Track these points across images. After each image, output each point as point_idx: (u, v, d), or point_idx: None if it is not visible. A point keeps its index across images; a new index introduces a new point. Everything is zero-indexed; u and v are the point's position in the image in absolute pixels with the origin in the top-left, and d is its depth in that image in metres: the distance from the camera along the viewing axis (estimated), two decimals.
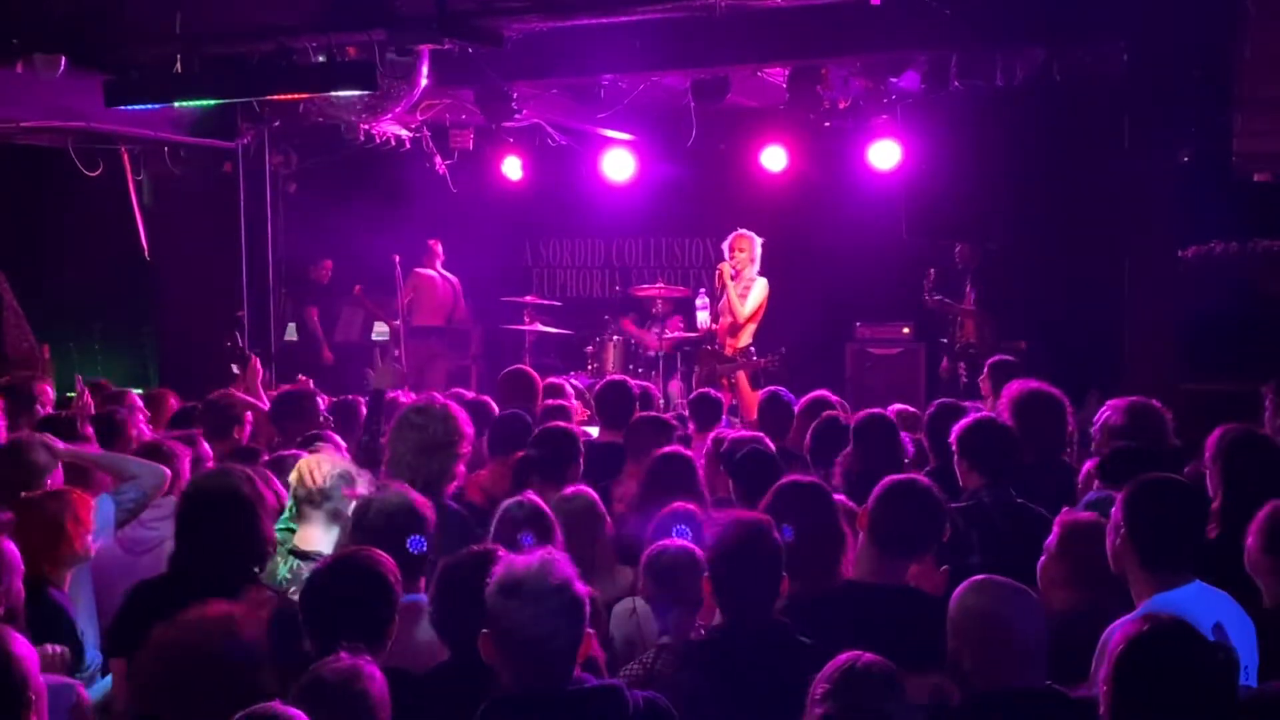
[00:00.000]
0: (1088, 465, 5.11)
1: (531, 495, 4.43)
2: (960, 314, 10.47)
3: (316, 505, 4.42)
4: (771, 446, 5.79)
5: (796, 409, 6.83)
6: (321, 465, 4.52)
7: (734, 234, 10.25)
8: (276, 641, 3.25)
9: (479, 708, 3.03)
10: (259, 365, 7.91)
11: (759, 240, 10.19)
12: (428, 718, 3.32)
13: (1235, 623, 3.57)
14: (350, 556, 3.62)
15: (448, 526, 4.35)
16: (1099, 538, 3.83)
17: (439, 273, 12.40)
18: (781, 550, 3.66)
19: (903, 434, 6.09)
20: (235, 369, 8.19)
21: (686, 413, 7.81)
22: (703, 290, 11.24)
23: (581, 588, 3.07)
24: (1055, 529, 3.97)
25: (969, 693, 3.21)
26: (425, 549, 3.93)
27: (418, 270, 12.21)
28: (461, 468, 4.93)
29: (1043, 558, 3.94)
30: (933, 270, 10.55)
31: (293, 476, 4.51)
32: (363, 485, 4.52)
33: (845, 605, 3.89)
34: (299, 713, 2.77)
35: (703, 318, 10.84)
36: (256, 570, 4.02)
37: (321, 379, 9.04)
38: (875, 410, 6.13)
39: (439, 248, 12.39)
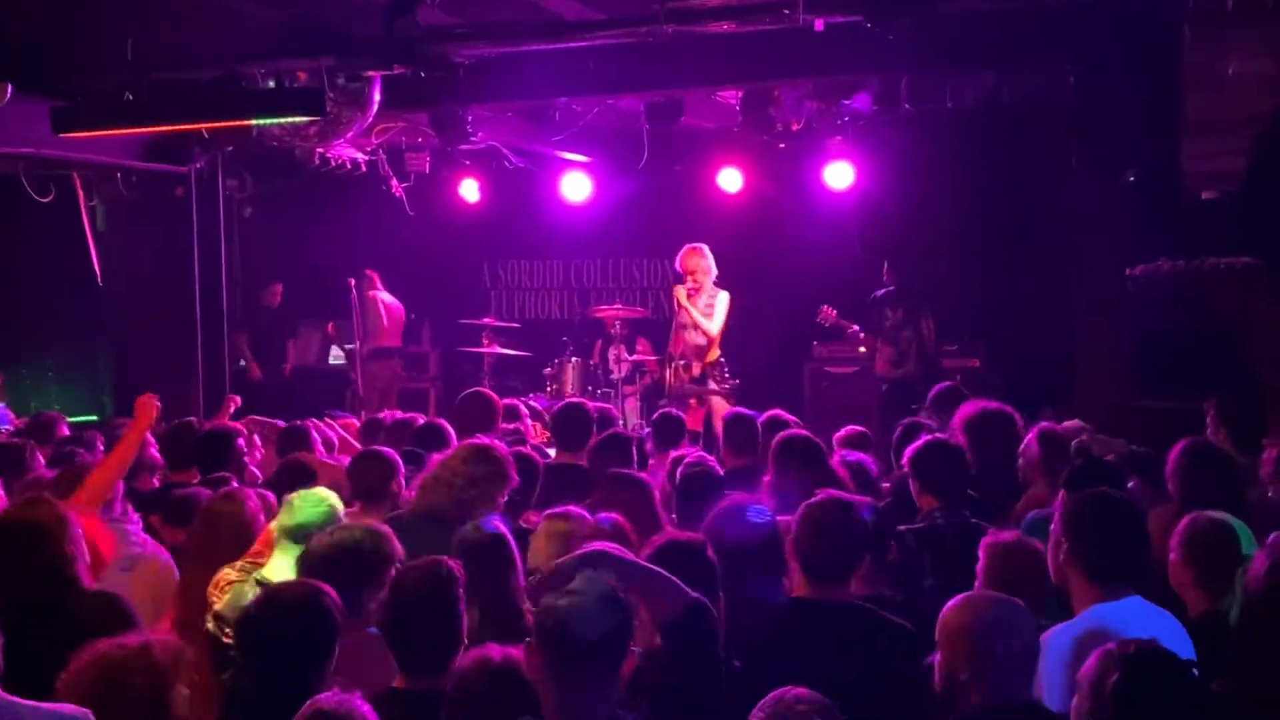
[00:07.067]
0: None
1: (496, 521, 4.37)
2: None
3: (295, 539, 4.39)
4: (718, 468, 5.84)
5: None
6: (309, 500, 4.54)
7: (684, 250, 10.09)
8: None
9: None
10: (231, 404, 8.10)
11: (708, 251, 10.05)
12: None
13: (1172, 638, 3.59)
14: (288, 589, 3.62)
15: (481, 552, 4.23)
16: (1020, 555, 3.97)
17: (385, 296, 12.37)
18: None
19: (858, 454, 6.12)
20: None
21: (646, 432, 7.84)
22: None
23: (629, 600, 3.02)
24: (981, 554, 4.01)
25: (959, 711, 3.24)
26: None
27: (370, 293, 12.18)
28: (501, 500, 5.01)
29: (976, 583, 3.97)
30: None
31: (284, 506, 4.54)
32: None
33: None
34: None
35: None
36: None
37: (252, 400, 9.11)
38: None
39: (377, 278, 12.36)
